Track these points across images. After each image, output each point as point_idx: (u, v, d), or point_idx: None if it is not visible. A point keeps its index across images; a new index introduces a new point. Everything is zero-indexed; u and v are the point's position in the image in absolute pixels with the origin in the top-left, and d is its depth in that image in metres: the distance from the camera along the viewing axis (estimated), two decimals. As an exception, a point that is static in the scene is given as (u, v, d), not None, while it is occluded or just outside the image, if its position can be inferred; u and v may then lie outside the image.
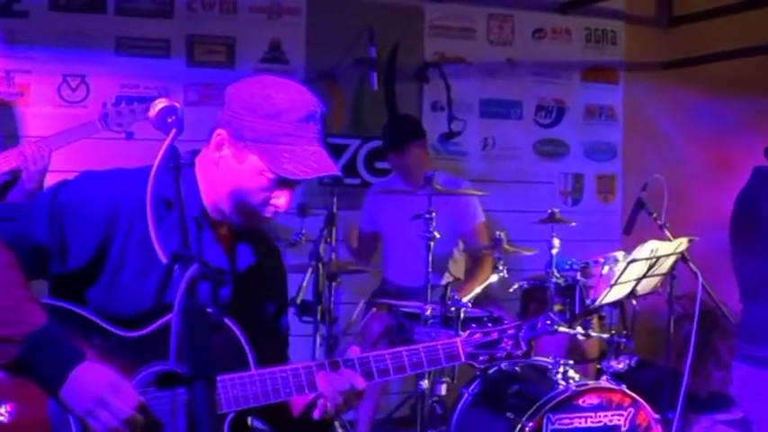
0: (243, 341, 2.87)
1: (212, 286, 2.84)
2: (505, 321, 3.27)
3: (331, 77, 7.22)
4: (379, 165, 7.47)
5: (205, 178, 2.96)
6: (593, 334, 5.49)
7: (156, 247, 2.45)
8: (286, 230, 5.93)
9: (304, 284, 5.57)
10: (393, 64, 7.43)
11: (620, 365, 5.33)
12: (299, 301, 5.54)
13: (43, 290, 3.00)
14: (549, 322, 3.23)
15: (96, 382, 2.63)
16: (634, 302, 5.54)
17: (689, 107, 8.28)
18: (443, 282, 5.93)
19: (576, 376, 5.19)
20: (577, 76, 8.26)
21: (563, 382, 5.09)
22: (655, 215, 5.77)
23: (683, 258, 5.51)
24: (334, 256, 5.70)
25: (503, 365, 5.39)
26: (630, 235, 5.89)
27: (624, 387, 5.13)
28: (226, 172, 2.89)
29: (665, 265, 5.48)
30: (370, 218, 6.82)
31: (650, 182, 5.84)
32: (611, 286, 5.22)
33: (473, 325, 3.27)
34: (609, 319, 5.71)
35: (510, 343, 3.20)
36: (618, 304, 5.56)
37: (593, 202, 8.26)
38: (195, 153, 2.98)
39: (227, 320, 2.86)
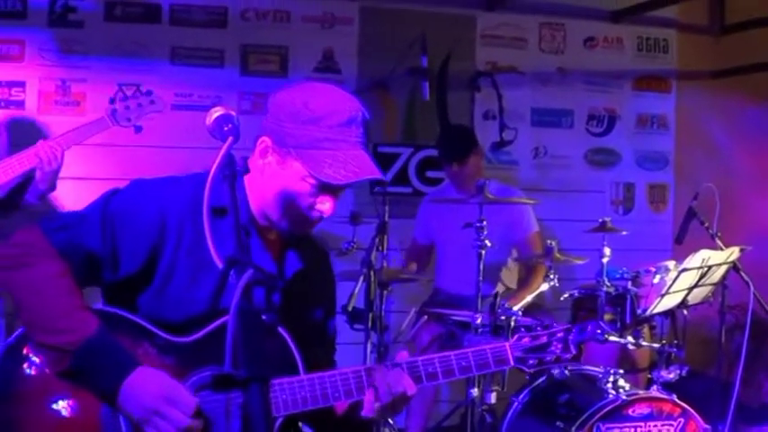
0: (292, 345, 2.91)
1: (266, 291, 2.87)
2: (555, 326, 3.25)
3: (383, 87, 7.24)
4: (431, 174, 7.49)
5: (252, 185, 3.00)
6: (643, 343, 5.46)
7: (213, 253, 2.49)
8: (337, 238, 5.94)
9: (355, 292, 5.57)
10: (445, 73, 7.43)
11: (671, 375, 5.30)
12: (350, 309, 5.55)
13: (97, 297, 3.07)
14: (599, 331, 3.23)
15: (152, 389, 2.68)
16: (685, 312, 5.51)
17: (741, 116, 8.20)
18: (496, 291, 5.92)
19: (627, 385, 5.16)
20: (629, 85, 8.21)
21: (613, 392, 5.07)
22: (706, 224, 5.75)
23: (734, 268, 5.49)
24: (385, 265, 5.71)
25: (554, 373, 5.39)
26: (682, 244, 5.87)
27: (674, 397, 5.10)
28: (271, 179, 2.93)
29: (716, 275, 5.46)
30: (424, 229, 6.85)
31: (702, 191, 5.82)
32: (662, 296, 5.21)
33: (522, 329, 3.28)
34: (659, 328, 5.66)
35: (559, 347, 3.20)
36: (669, 314, 5.51)
37: (645, 211, 8.21)
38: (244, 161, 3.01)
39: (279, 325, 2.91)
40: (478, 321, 5.45)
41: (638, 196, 8.21)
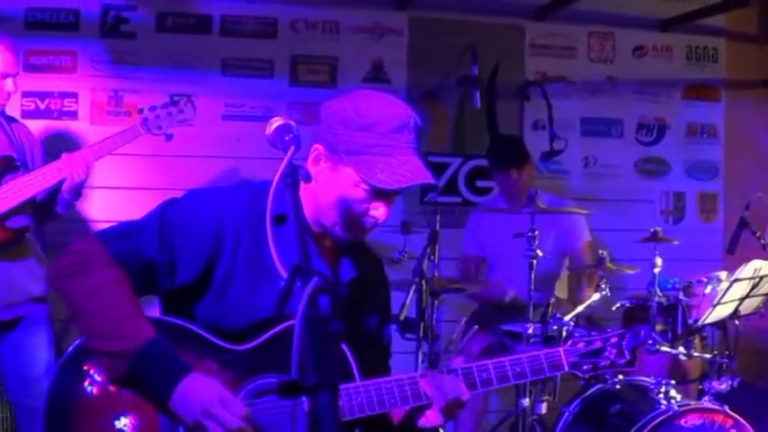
0: (348, 352, 2.92)
1: (331, 299, 2.89)
2: (609, 331, 3.25)
3: (433, 96, 7.27)
4: (480, 183, 7.49)
5: (306, 193, 3.00)
6: (695, 354, 5.45)
7: (276, 261, 2.51)
8: (388, 248, 5.95)
9: (407, 302, 5.59)
10: (494, 83, 7.43)
11: (723, 386, 5.28)
12: (402, 318, 5.57)
13: (155, 306, 3.10)
14: (650, 341, 3.23)
15: (203, 393, 2.70)
16: (737, 322, 5.49)
17: (791, 125, 8.18)
18: (549, 301, 5.93)
19: (678, 396, 5.15)
20: (678, 94, 8.16)
21: (665, 402, 5.05)
22: (758, 234, 5.72)
23: (786, 278, 5.46)
24: (436, 274, 5.72)
25: (606, 383, 5.37)
26: (733, 254, 5.83)
27: (726, 408, 5.08)
28: (324, 186, 2.93)
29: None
30: (475, 240, 6.82)
31: (753, 201, 5.79)
32: (714, 306, 5.19)
33: (576, 334, 3.27)
34: (711, 339, 5.63)
35: (614, 352, 3.19)
36: (720, 324, 5.49)
37: (695, 221, 8.15)
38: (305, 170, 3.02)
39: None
40: (530, 331, 5.44)
41: (688, 206, 8.15)
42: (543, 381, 5.36)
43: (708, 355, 5.44)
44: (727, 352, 5.43)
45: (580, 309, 5.74)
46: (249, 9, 7.20)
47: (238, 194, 3.03)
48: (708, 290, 5.42)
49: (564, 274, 6.66)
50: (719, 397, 5.25)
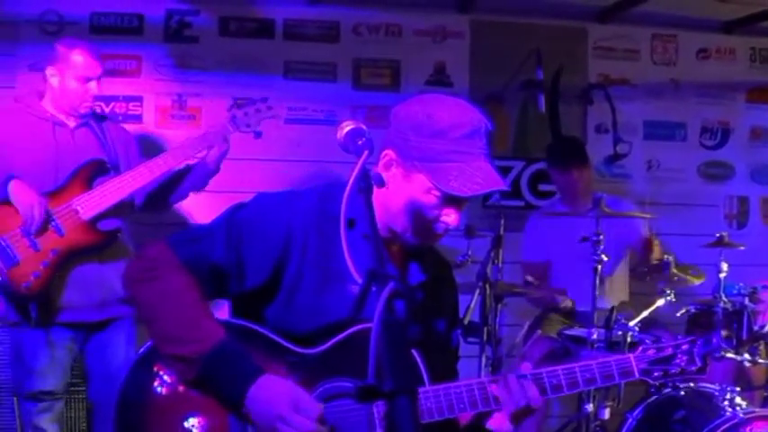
0: (417, 357, 2.91)
1: (406, 304, 2.89)
2: (679, 338, 3.21)
3: (495, 100, 7.25)
4: (543, 187, 7.46)
5: (376, 198, 2.95)
6: (760, 361, 5.40)
7: (350, 265, 2.51)
8: (452, 251, 5.94)
9: (472, 306, 5.59)
10: (557, 86, 7.40)
11: (788, 393, 5.24)
12: (465, 322, 5.57)
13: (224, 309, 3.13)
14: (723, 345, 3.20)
15: (276, 396, 2.71)
16: (803, 328, 5.44)
17: None
18: (610, 305, 5.89)
19: (744, 403, 5.08)
20: (742, 97, 8.08)
21: (730, 409, 4.99)
22: (824, 239, 5.68)
23: None
24: (500, 278, 5.71)
25: (672, 389, 5.34)
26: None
27: (793, 416, 5.03)
28: (395, 192, 2.92)
29: (834, 292, 5.39)
30: (537, 245, 6.76)
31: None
32: (780, 312, 5.16)
33: (646, 341, 3.25)
34: (776, 346, 5.61)
35: (684, 359, 3.14)
36: (786, 331, 5.46)
37: (759, 225, 8.05)
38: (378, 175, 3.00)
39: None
40: (594, 336, 5.41)
41: (752, 210, 8.07)
42: (607, 386, 5.34)
43: (773, 362, 5.40)
44: (793, 359, 5.40)
45: (645, 314, 5.70)
46: (311, 13, 7.25)
47: (306, 197, 3.03)
48: (773, 296, 5.38)
49: (626, 275, 6.61)
50: (785, 404, 5.21)
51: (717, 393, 5.18)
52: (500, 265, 5.73)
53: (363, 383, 2.11)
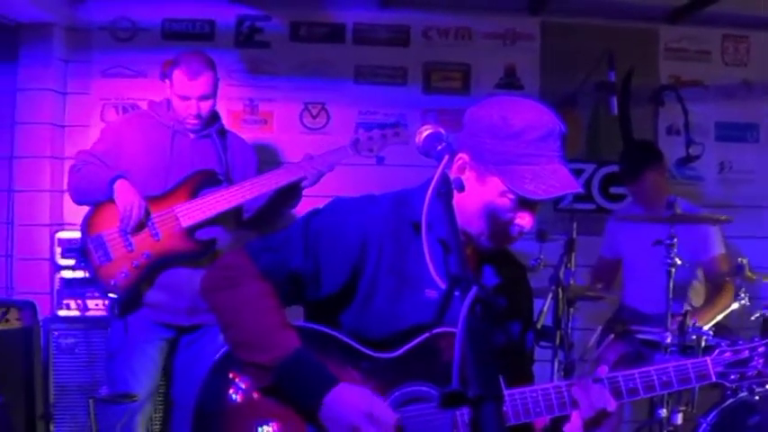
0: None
1: (488, 309, 2.89)
2: (755, 340, 3.19)
3: (567, 102, 7.21)
4: (614, 190, 7.40)
5: None
6: (836, 366, 5.34)
7: (432, 270, 2.52)
8: (524, 255, 5.94)
9: (545, 310, 5.58)
10: (628, 88, 7.34)
11: None
12: (538, 327, 5.56)
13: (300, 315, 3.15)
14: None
15: (352, 405, 2.74)
16: None
17: None
18: (683, 309, 5.84)
19: (819, 408, 5.06)
20: (815, 97, 8.01)
21: (806, 415, 4.97)
22: None
23: None
24: (572, 282, 5.69)
25: (744, 394, 5.29)
26: None
27: None
28: (469, 195, 2.91)
29: None
30: (611, 244, 6.78)
31: None
32: None
33: (722, 344, 3.23)
34: None
35: (761, 361, 3.10)
36: None
37: (832, 228, 7.98)
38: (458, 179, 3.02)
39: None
40: (668, 340, 5.37)
41: (825, 213, 7.98)
42: (680, 390, 5.30)
43: None
44: None
45: (718, 318, 5.65)
46: (382, 17, 7.28)
47: (380, 203, 3.05)
48: None
49: (697, 283, 6.55)
50: None
51: (793, 398, 5.13)
52: (573, 268, 5.70)
53: (448, 389, 2.11)
